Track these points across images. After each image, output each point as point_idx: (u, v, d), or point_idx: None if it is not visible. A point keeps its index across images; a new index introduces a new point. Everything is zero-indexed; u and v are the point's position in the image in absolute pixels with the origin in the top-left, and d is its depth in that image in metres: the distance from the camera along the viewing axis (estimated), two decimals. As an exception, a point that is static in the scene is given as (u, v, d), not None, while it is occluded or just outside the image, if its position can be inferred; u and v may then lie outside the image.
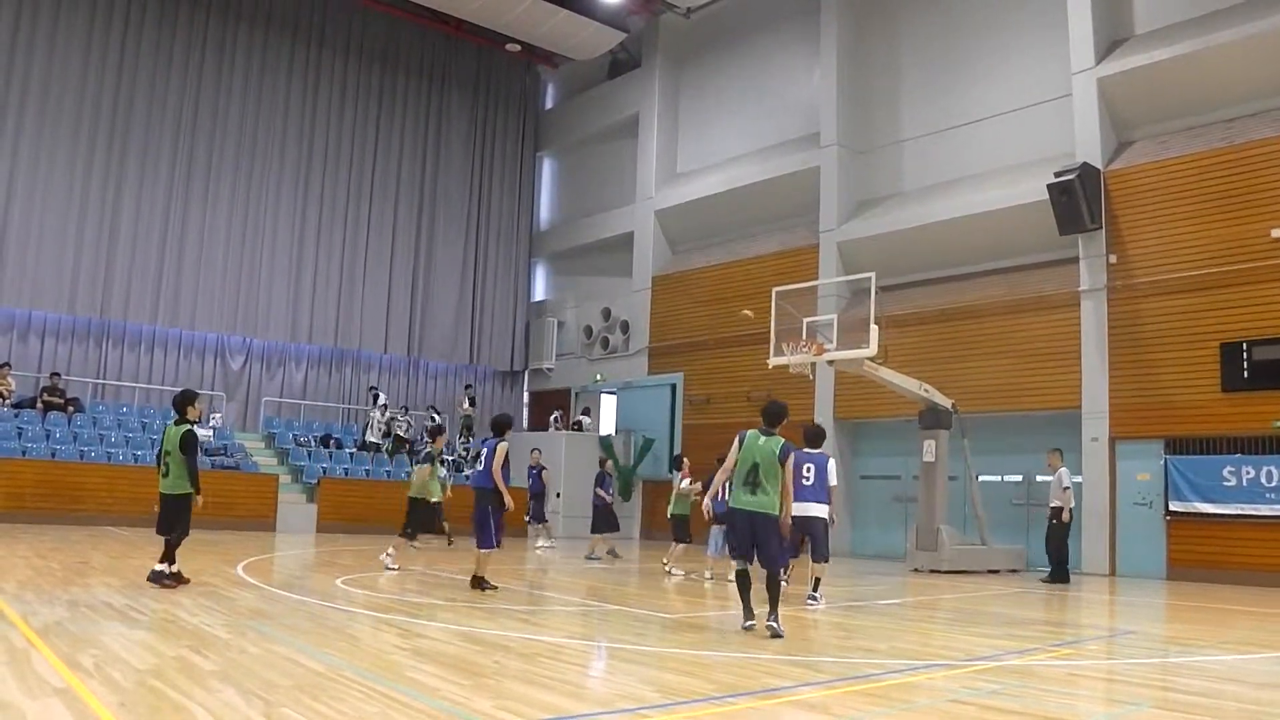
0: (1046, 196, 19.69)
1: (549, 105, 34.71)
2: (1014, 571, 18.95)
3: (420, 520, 14.89)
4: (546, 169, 34.63)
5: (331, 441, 27.11)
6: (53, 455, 21.81)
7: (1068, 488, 17.00)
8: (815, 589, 11.93)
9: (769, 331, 19.29)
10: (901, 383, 18.68)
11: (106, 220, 25.62)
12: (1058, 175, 19.55)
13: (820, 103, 25.34)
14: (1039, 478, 19.96)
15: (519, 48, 31.05)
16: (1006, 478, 21.27)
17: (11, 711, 4.93)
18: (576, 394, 30.98)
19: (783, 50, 27.12)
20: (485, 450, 11.82)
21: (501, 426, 11.87)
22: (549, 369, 32.19)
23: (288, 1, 28.69)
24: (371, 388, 29.08)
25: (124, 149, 25.98)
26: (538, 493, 21.82)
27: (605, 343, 30.20)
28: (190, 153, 26.92)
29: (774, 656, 7.85)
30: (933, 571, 17.87)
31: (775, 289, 20.09)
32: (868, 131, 24.90)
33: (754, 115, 27.58)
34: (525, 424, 32.41)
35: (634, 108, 30.52)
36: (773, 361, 19.14)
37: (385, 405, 28.07)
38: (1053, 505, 17.13)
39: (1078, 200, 19.36)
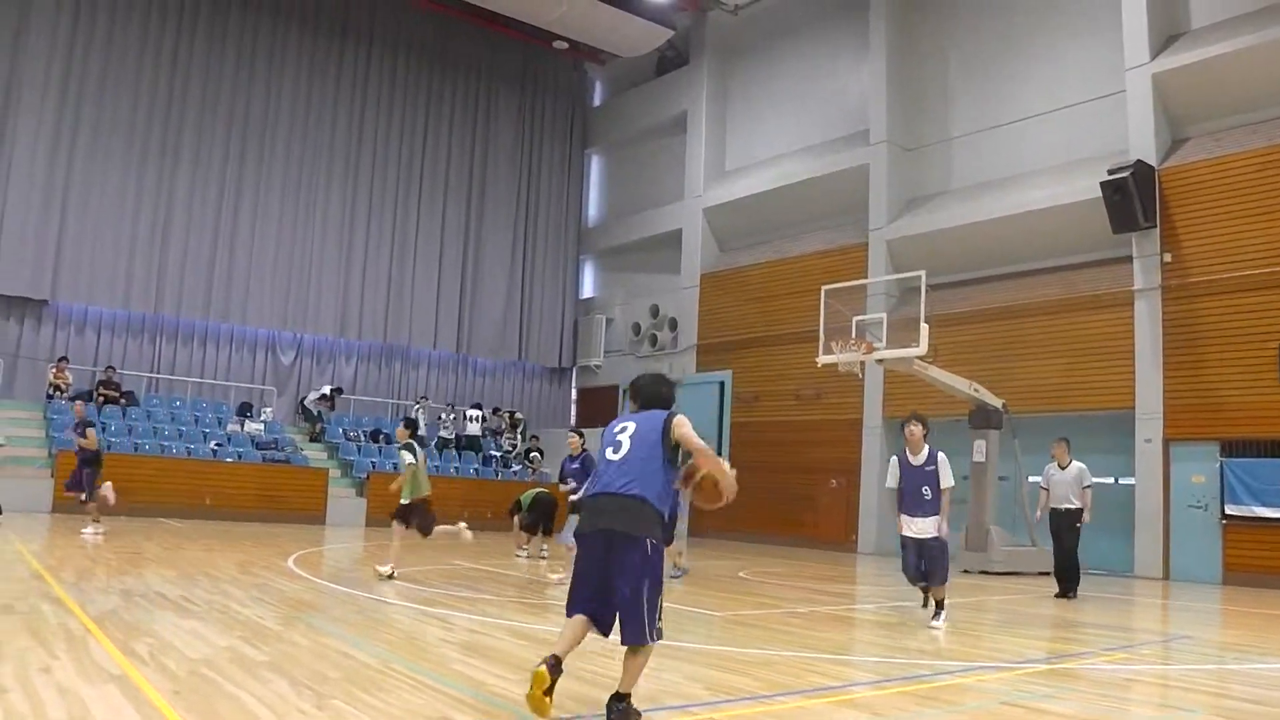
0: (1099, 194, 19.43)
1: (597, 102, 34.76)
2: (1078, 570, 18.68)
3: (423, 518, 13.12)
4: (594, 166, 34.69)
5: (381, 436, 27.33)
6: (108, 448, 22.08)
7: (1089, 486, 14.28)
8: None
9: (818, 330, 19.21)
10: (952, 382, 18.53)
11: (160, 218, 25.99)
12: (1111, 173, 19.28)
13: (869, 100, 25.18)
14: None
15: (566, 45, 31.11)
16: (1058, 478, 21.02)
17: (71, 697, 5.03)
18: (624, 391, 31.00)
19: (831, 47, 26.98)
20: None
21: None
22: (597, 366, 32.23)
23: (336, 5, 28.91)
24: (422, 396, 29.24)
25: (177, 148, 26.32)
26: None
27: (653, 340, 30.19)
28: (242, 151, 27.24)
29: (822, 656, 7.82)
30: (982, 572, 17.70)
31: (824, 287, 20.02)
32: (917, 129, 24.71)
33: (802, 112, 27.46)
34: (574, 421, 32.48)
35: (682, 105, 30.48)
36: (822, 360, 19.07)
37: (451, 404, 28.43)
38: (1066, 507, 14.25)
39: (1131, 198, 19.08)
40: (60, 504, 20.45)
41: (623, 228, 32.56)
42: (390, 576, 11.65)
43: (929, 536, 10.08)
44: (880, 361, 18.78)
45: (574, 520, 13.21)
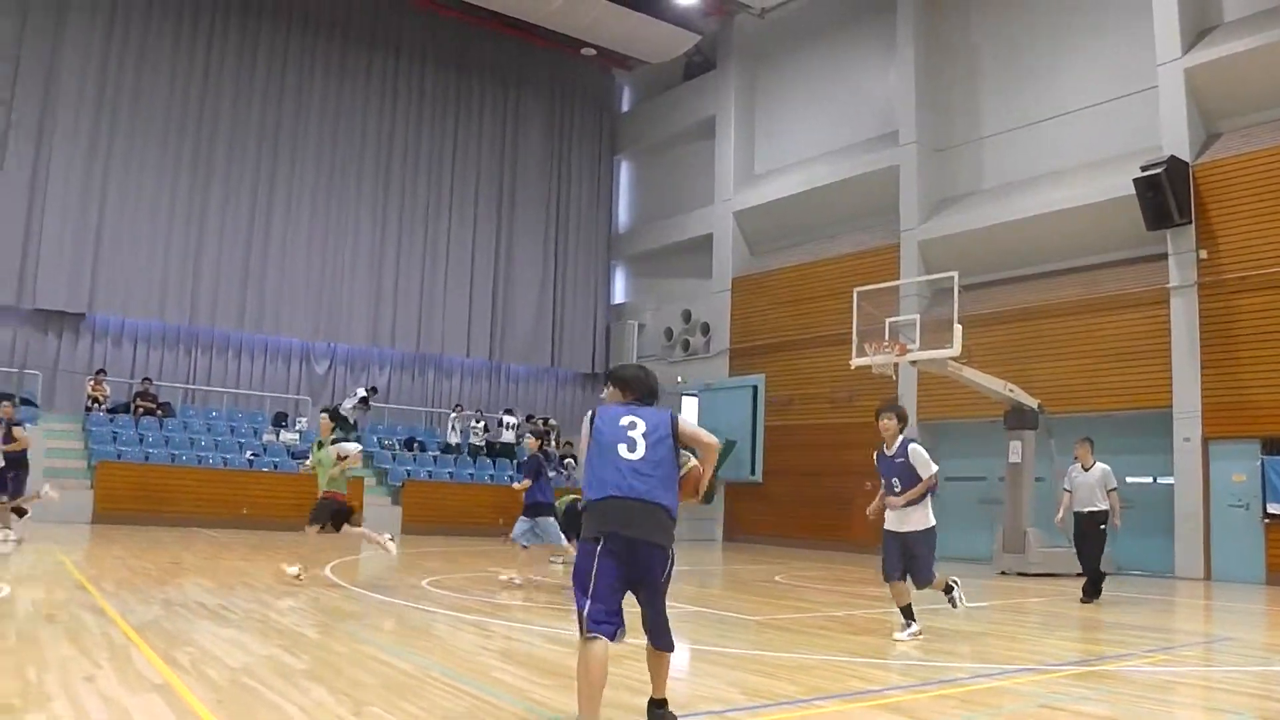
0: (1132, 191, 19.26)
1: (625, 108, 34.82)
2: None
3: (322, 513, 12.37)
4: (624, 172, 34.75)
5: (415, 445, 27.46)
6: (146, 459, 22.39)
7: (1114, 488, 13.56)
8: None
9: (851, 332, 19.15)
10: (986, 383, 18.43)
11: (194, 231, 26.28)
12: (1144, 169, 19.11)
13: (898, 101, 25.09)
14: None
15: (594, 52, 31.17)
16: (1095, 479, 20.84)
17: (115, 706, 5.09)
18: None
19: (859, 48, 26.90)
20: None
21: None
22: (629, 372, 32.20)
23: (365, 13, 29.12)
24: (456, 405, 29.33)
25: (209, 161, 26.63)
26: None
27: (686, 345, 30.19)
28: (273, 162, 27.51)
29: (860, 659, 7.80)
30: (1020, 574, 17.59)
31: (856, 289, 19.96)
32: (947, 129, 24.59)
33: (831, 115, 27.39)
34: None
35: (710, 109, 30.49)
36: (855, 363, 19.02)
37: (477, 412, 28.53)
38: (1090, 510, 13.55)
39: (1165, 195, 18.89)
40: (100, 515, 20.69)
41: (653, 233, 32.58)
42: (298, 577, 11.52)
43: (909, 530, 9.14)
44: (914, 363, 18.70)
45: (548, 522, 13.04)
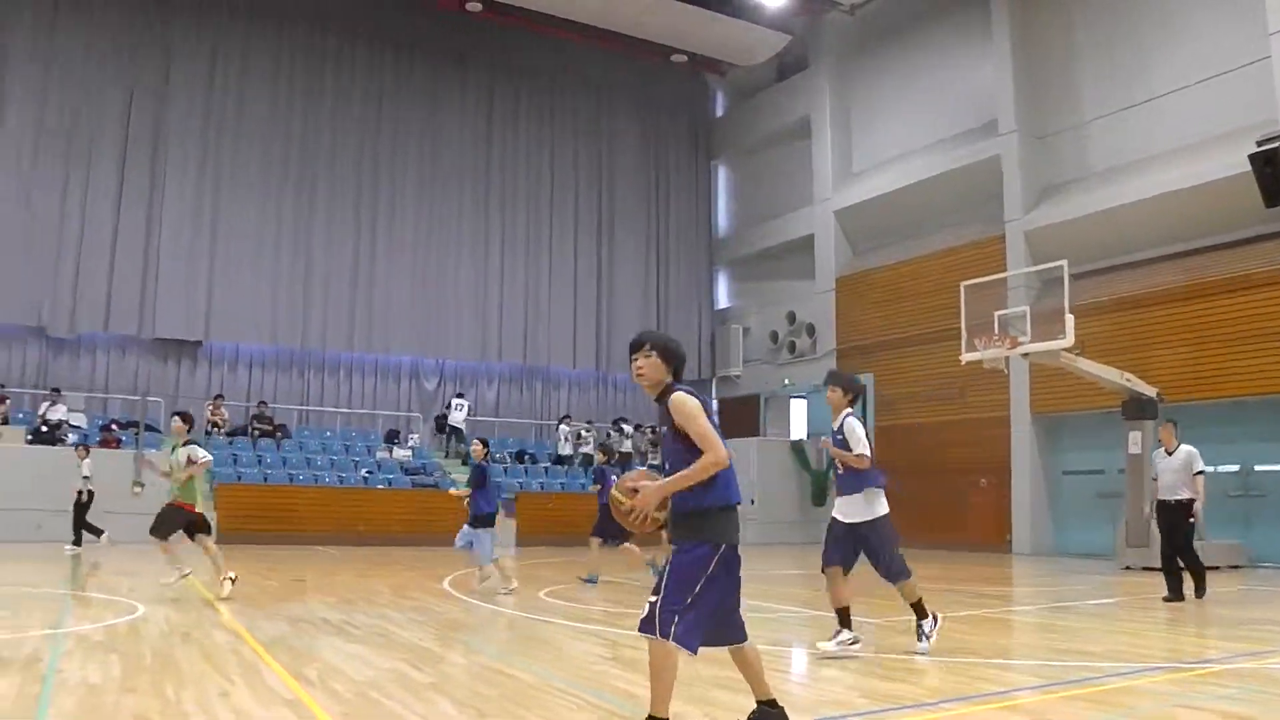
0: (1248, 168, 18.57)
1: (719, 113, 34.74)
2: (1234, 568, 17.91)
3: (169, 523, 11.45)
4: (721, 176, 34.67)
5: (526, 457, 27.72)
6: (264, 479, 22.98)
7: (1200, 471, 12.37)
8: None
9: (959, 327, 18.83)
10: (1101, 373, 17.96)
11: (301, 256, 26.99)
12: (1260, 144, 18.39)
13: (995, 89, 24.59)
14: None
15: (685, 58, 31.18)
16: (1220, 468, 20.04)
17: (248, 723, 5.21)
18: (765, 400, 30.86)
19: (952, 38, 26.44)
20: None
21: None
22: (737, 376, 32.14)
23: (456, 36, 29.49)
24: (564, 416, 29.54)
25: (312, 188, 27.37)
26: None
27: (792, 347, 30.01)
28: (374, 186, 28.12)
29: (984, 661, 7.64)
30: (1145, 569, 17.06)
31: (963, 283, 19.62)
32: (1047, 115, 24.01)
33: (927, 108, 26.97)
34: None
35: (805, 109, 30.28)
36: (965, 358, 18.69)
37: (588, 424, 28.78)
38: (1176, 499, 12.36)
39: (1284, 170, 18.18)
40: (223, 535, 21.24)
41: (754, 236, 32.46)
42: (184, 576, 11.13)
43: (855, 520, 8.06)
44: (1025, 356, 18.32)
45: (492, 533, 12.50)
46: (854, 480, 8.10)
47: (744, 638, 4.87)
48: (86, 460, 18.05)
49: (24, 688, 6.00)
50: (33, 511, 18.81)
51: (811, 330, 29.35)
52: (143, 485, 20.94)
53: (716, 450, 4.65)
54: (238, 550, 18.98)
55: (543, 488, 26.16)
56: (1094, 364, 17.91)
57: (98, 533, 17.83)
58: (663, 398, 4.90)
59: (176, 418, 11.59)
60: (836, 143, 29.31)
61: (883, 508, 8.10)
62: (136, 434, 22.50)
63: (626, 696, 6.05)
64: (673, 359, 4.96)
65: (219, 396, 25.39)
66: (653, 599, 4.57)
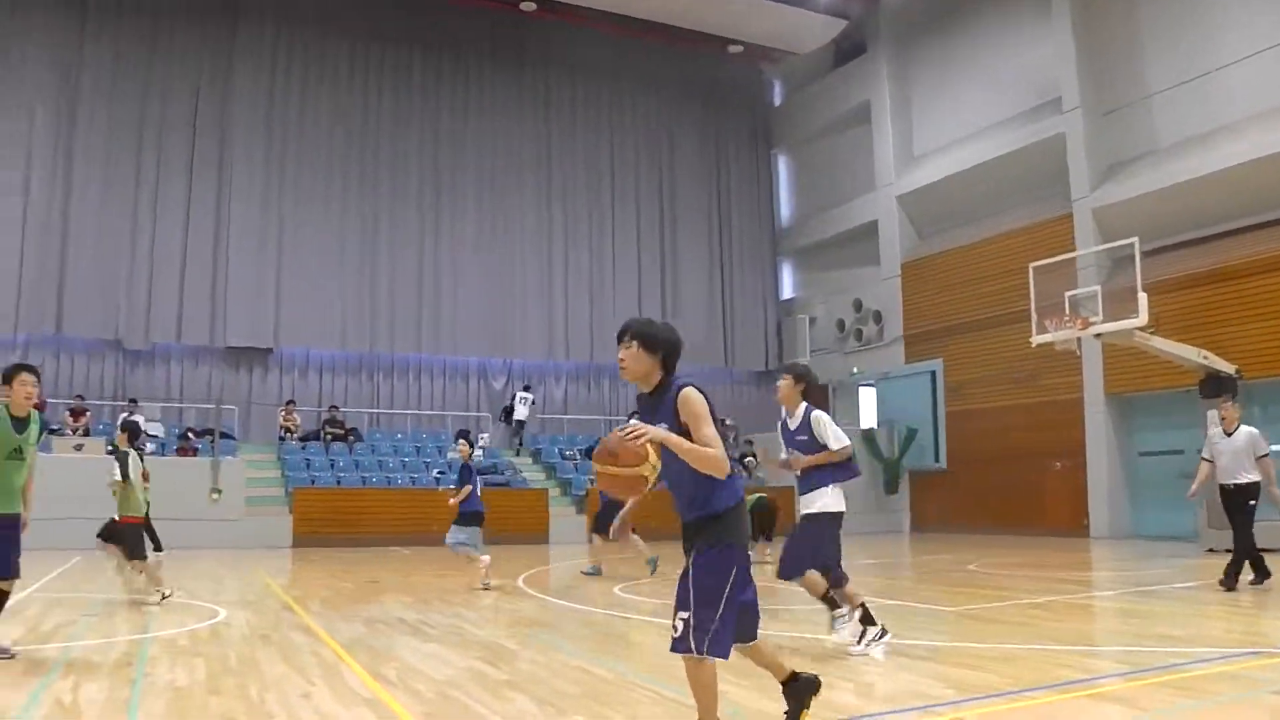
0: (1325, 136, 18.06)
1: (777, 102, 34.51)
2: (1260, 554, 17.36)
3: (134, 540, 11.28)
4: (782, 165, 34.44)
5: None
6: (338, 483, 23.27)
7: (1265, 454, 11.61)
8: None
9: (1029, 309, 18.54)
10: (1178, 351, 17.58)
11: (367, 261, 27.26)
12: (1337, 112, 17.91)
13: (1057, 66, 24.13)
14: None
15: (741, 48, 31.00)
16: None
17: (331, 723, 5.27)
18: (834, 389, 30.63)
19: (1011, 15, 25.99)
20: None
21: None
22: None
23: (512, 36, 29.58)
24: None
25: (375, 194, 27.62)
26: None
27: (859, 335, 29.77)
28: (436, 188, 28.31)
29: (1066, 648, 7.51)
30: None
31: (1031, 264, 19.32)
32: (1111, 90, 23.52)
33: (989, 88, 26.53)
34: (782, 424, 32.29)
35: (864, 94, 29.98)
36: (1036, 340, 18.41)
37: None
38: (1236, 483, 11.59)
39: (1362, 137, 17.65)
40: (299, 538, 21.58)
41: (817, 224, 32.21)
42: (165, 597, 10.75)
43: (804, 511, 7.54)
44: (1098, 336, 17.99)
45: (477, 531, 12.76)
46: (826, 474, 7.45)
47: (756, 634, 4.70)
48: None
49: (114, 691, 6.13)
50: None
51: (878, 317, 29.08)
52: (220, 492, 21.38)
53: (721, 457, 4.34)
54: (313, 553, 19.31)
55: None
56: (1169, 342, 17.54)
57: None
58: (658, 392, 4.59)
59: (121, 427, 11.54)
60: (897, 127, 29.00)
61: (837, 504, 7.48)
62: (212, 441, 22.89)
63: (705, 691, 6.01)
64: (657, 348, 4.59)
65: (290, 402, 25.75)
66: (683, 615, 4.35)
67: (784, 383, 7.70)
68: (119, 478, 10.95)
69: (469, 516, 12.74)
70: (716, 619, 4.34)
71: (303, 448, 24.67)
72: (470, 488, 12.73)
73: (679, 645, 4.37)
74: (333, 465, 24.21)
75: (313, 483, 23.02)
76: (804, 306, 32.49)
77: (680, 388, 4.48)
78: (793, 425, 7.64)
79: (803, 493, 7.51)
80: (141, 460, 11.51)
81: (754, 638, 4.69)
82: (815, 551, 7.44)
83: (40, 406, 7.69)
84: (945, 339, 26.70)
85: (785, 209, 34.14)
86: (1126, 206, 22.31)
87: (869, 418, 29.02)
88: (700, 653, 4.34)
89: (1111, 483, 22.47)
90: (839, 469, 7.47)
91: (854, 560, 17.37)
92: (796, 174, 33.97)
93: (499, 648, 7.73)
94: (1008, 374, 24.48)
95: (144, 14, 25.76)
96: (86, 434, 22.23)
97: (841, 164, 31.24)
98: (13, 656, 7.05)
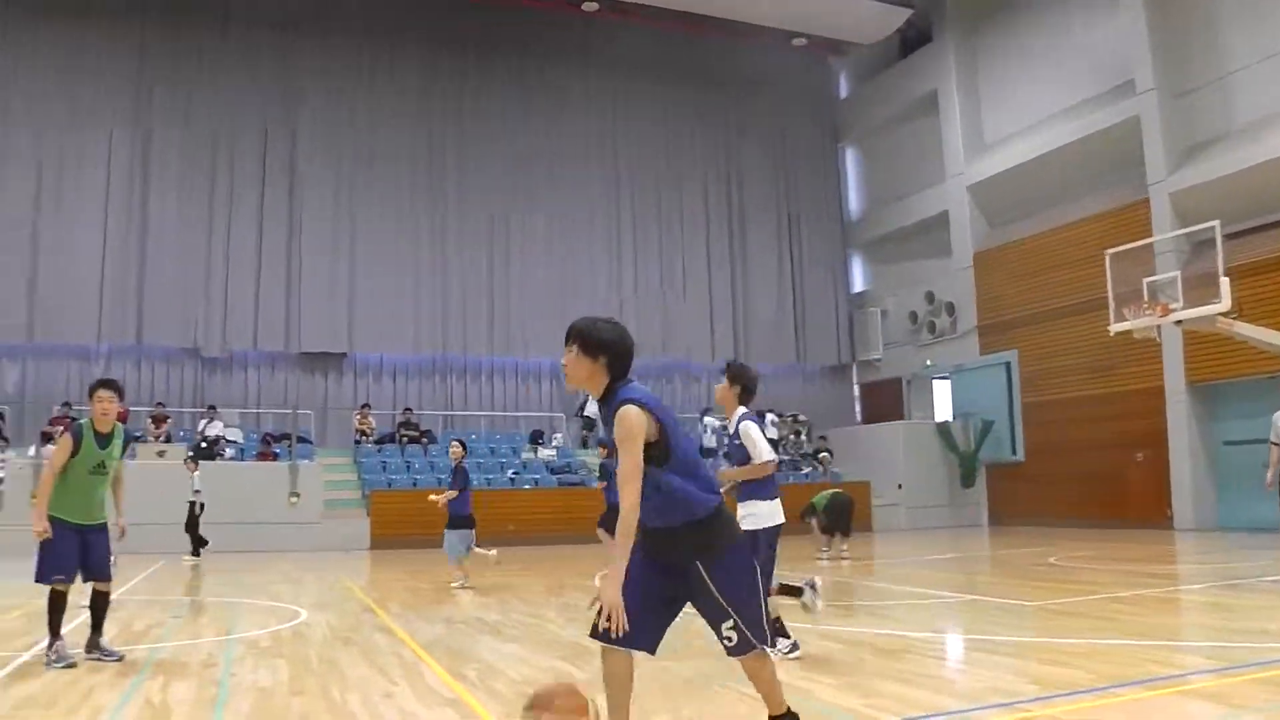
0: None
1: (844, 94, 34.21)
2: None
3: None
4: (849, 158, 34.12)
5: (669, 452, 27.71)
6: (414, 485, 23.48)
7: None
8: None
9: (1106, 297, 18.19)
10: (1264, 336, 17.08)
11: (438, 264, 27.48)
12: None
13: (1130, 47, 23.58)
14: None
15: (805, 41, 30.79)
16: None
17: (413, 723, 5.32)
18: (908, 382, 30.35)
19: (1083, -3, 25.49)
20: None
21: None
22: (877, 360, 31.65)
23: (575, 37, 29.62)
24: (705, 409, 29.47)
25: (444, 197, 27.82)
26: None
27: (932, 327, 29.41)
28: (504, 189, 28.40)
29: (1153, 643, 7.36)
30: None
31: (1107, 251, 18.92)
32: (1187, 70, 22.93)
33: (1059, 72, 26.02)
34: (859, 417, 32.06)
35: (931, 83, 29.60)
36: (1114, 328, 18.02)
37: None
38: None
39: None
40: (376, 541, 21.83)
41: (886, 216, 31.88)
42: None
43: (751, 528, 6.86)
44: (1178, 323, 17.56)
45: (470, 534, 13.05)
46: (754, 487, 7.02)
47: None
48: (196, 474, 18.66)
49: (201, 691, 6.27)
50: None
51: (951, 309, 28.72)
52: (298, 496, 21.71)
53: (630, 497, 3.99)
54: (391, 555, 19.53)
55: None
56: (1255, 327, 17.07)
57: (202, 544, 18.31)
58: (606, 400, 4.21)
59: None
60: (966, 115, 28.59)
61: (772, 518, 7.00)
62: (289, 446, 23.24)
63: (790, 689, 5.95)
64: (597, 352, 4.18)
65: (366, 406, 26.05)
66: (728, 625, 4.23)
67: (720, 385, 7.21)
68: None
69: (461, 520, 12.96)
70: (762, 608, 4.28)
71: (378, 451, 24.95)
72: (463, 490, 13.01)
73: (740, 649, 4.27)
74: (408, 467, 24.45)
75: (389, 485, 23.29)
76: (875, 300, 32.19)
77: (622, 401, 4.09)
78: (730, 429, 7.24)
79: (741, 499, 7.02)
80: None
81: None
82: (769, 561, 7.03)
83: (123, 417, 7.90)
84: (1020, 329, 26.29)
85: (854, 202, 33.84)
86: (1205, 189, 21.78)
87: (944, 410, 28.74)
88: (765, 645, 4.28)
89: (1195, 473, 21.97)
90: (764, 484, 7.00)
91: (933, 555, 17.21)
92: (864, 166, 33.64)
93: (579, 647, 7.74)
94: (1085, 363, 24.05)
95: (215, 29, 26.30)
96: (168, 440, 22.71)
97: (910, 155, 30.88)
98: (120, 659, 7.26)
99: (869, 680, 6.14)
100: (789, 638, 7.15)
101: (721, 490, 6.06)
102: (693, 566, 4.24)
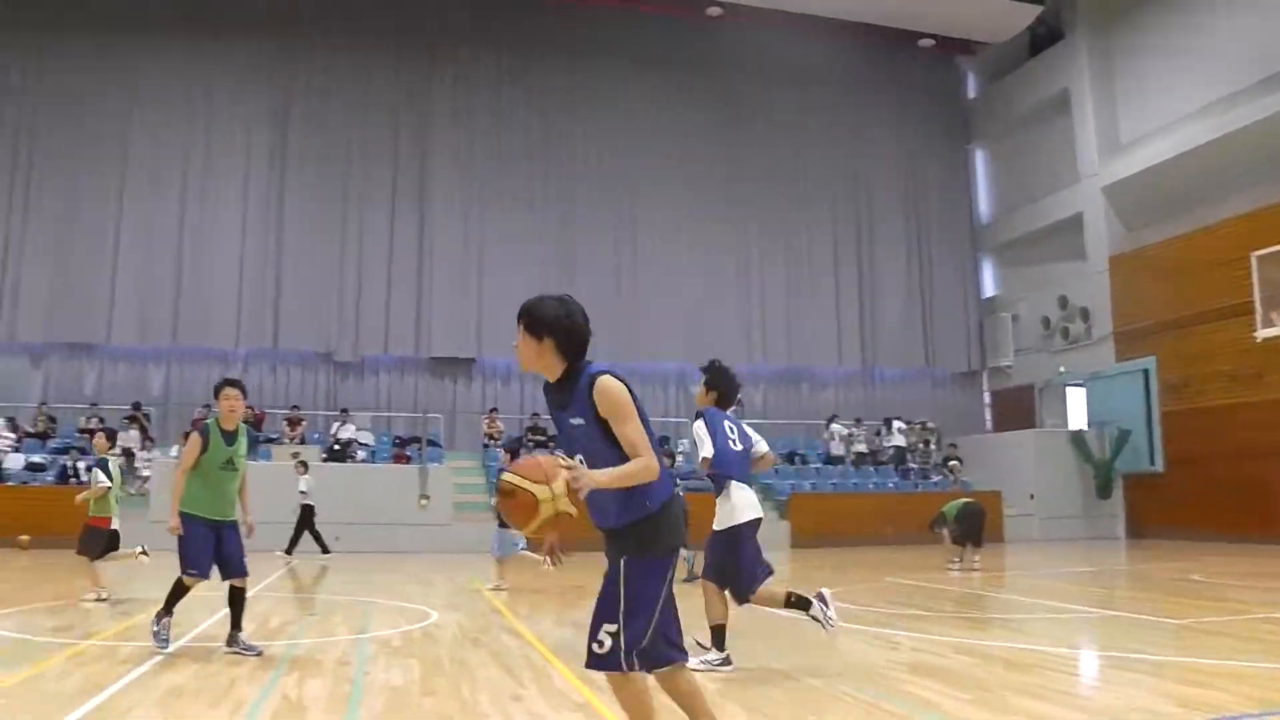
0: None
1: (972, 95, 33.53)
2: None
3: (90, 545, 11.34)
4: (979, 160, 33.40)
5: (796, 458, 27.57)
6: (544, 490, 23.70)
7: None
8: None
9: (1252, 301, 17.49)
10: None
11: (565, 270, 27.65)
12: None
13: (1276, 39, 22.59)
14: None
15: (932, 41, 30.31)
16: None
17: (543, 727, 5.37)
18: (1040, 390, 29.55)
19: (1225, -13, 24.50)
20: None
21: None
22: (1008, 366, 30.91)
23: (698, 43, 29.48)
24: (832, 416, 29.19)
25: (570, 205, 28.15)
26: None
27: (1065, 333, 28.59)
28: (629, 196, 28.59)
29: (1308, 663, 7.02)
30: None
31: (1254, 253, 18.19)
32: (1344, 59, 21.89)
33: (1200, 64, 24.96)
34: (990, 425, 31.38)
35: (1062, 82, 28.78)
36: (1261, 334, 17.37)
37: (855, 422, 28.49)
38: None
39: None
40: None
41: (1017, 219, 31.11)
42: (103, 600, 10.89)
43: (718, 528, 7.45)
44: (1331, 328, 16.84)
45: (507, 535, 13.34)
46: (716, 486, 7.31)
47: (686, 655, 4.25)
48: (305, 476, 19.09)
49: (335, 688, 6.42)
50: (330, 524, 19.98)
51: (1085, 314, 27.88)
52: (428, 498, 22.13)
53: (650, 459, 3.86)
54: (520, 557, 19.69)
55: (815, 488, 25.92)
56: None
57: (294, 546, 18.78)
58: (564, 382, 4.04)
59: (100, 435, 11.85)
60: (1100, 115, 27.72)
61: (733, 517, 7.31)
62: (420, 449, 23.71)
63: (920, 701, 5.86)
64: (545, 332, 4.03)
65: (493, 410, 26.42)
66: (609, 629, 3.93)
67: (698, 389, 7.35)
68: (105, 483, 11.26)
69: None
70: (648, 633, 3.97)
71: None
72: None
73: (602, 663, 3.96)
74: (536, 471, 24.68)
75: (518, 490, 23.53)
76: (1006, 304, 31.44)
77: (594, 376, 3.93)
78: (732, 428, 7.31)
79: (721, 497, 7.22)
80: (118, 468, 11.89)
81: (685, 657, 4.26)
82: (737, 564, 7.28)
83: (260, 418, 8.20)
84: (1159, 335, 25.38)
85: (984, 204, 33.11)
86: (1361, 188, 20.77)
87: (1078, 419, 27.89)
88: (629, 669, 3.95)
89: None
90: (718, 481, 7.21)
91: (1067, 567, 16.73)
92: (995, 168, 32.90)
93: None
94: (1230, 371, 23.12)
95: (345, 42, 27.14)
96: (302, 442, 23.38)
97: (1042, 156, 30.07)
98: (260, 654, 7.50)
99: (1000, 695, 5.99)
100: (723, 650, 7.14)
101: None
102: (621, 560, 4.04)
